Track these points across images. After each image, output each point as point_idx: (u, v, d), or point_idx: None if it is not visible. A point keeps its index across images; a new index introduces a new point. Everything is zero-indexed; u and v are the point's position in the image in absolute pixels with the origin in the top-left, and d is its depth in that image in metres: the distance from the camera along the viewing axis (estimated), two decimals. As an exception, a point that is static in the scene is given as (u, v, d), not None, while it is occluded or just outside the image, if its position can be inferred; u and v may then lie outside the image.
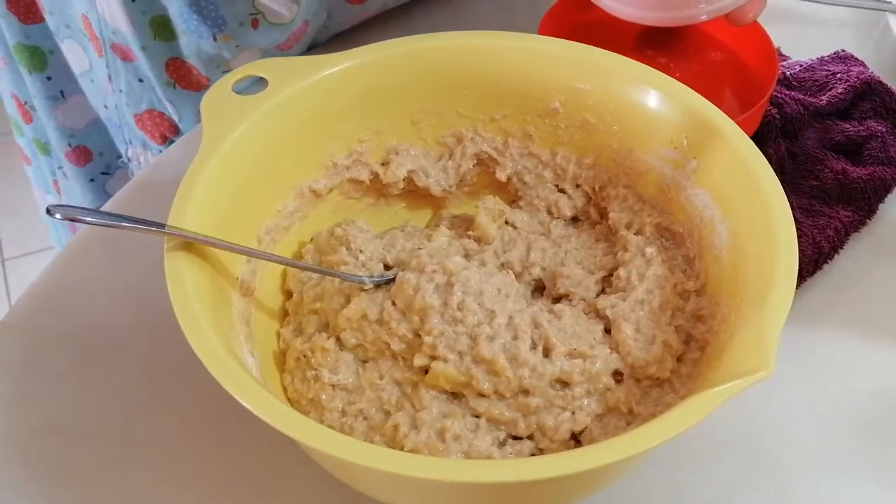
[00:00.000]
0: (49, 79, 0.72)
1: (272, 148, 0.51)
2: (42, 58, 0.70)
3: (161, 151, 0.73)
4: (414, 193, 0.58)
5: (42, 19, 0.68)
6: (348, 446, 0.37)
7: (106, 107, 0.74)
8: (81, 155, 0.78)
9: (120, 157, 0.80)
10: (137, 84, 0.70)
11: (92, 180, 0.82)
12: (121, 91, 0.71)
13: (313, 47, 0.73)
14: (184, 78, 0.67)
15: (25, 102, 0.79)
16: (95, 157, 0.81)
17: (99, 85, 0.73)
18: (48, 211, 0.45)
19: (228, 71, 0.64)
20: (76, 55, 0.70)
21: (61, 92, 0.73)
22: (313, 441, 0.37)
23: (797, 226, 0.45)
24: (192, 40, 0.64)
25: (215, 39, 0.64)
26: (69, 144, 0.78)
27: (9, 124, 0.84)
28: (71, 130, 0.76)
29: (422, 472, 0.36)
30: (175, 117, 0.70)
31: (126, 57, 0.68)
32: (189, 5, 0.63)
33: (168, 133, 0.72)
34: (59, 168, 0.82)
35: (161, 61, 0.66)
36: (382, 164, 0.56)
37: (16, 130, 0.84)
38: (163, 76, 0.67)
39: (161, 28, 0.64)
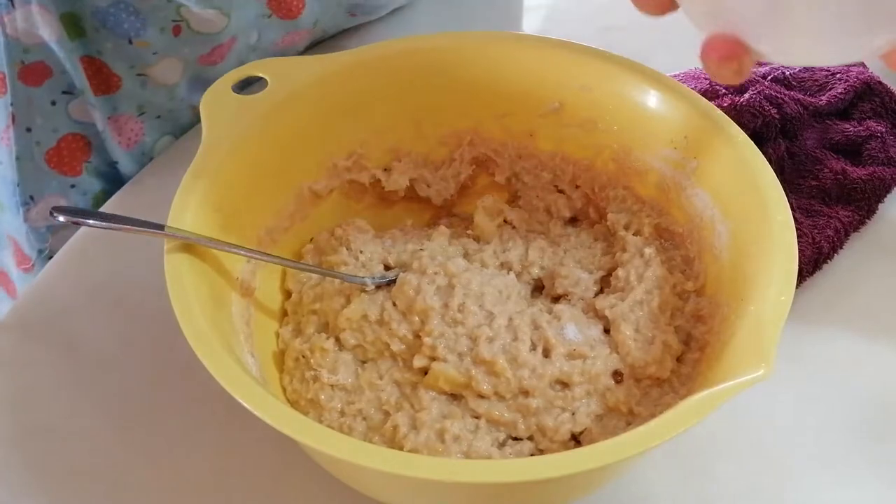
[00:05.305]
0: None
1: (272, 148, 0.51)
2: None
3: (73, 185, 0.65)
4: (414, 198, 0.58)
5: None
6: (348, 446, 0.37)
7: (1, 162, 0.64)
8: None
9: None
10: (50, 108, 0.62)
11: None
12: (29, 130, 0.61)
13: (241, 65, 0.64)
14: (101, 79, 0.63)
15: None
16: None
17: None
18: (51, 213, 0.46)
19: (143, 75, 0.62)
20: None
21: None
22: (313, 441, 0.37)
23: (797, 226, 0.45)
24: (108, 38, 0.60)
25: (131, 43, 0.60)
26: None
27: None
28: None
29: (422, 472, 0.36)
30: (99, 125, 0.63)
31: (39, 80, 0.61)
32: (111, 4, 0.58)
33: (83, 157, 0.65)
34: None
35: (77, 58, 0.60)
36: (385, 169, 0.56)
37: None
38: (84, 82, 0.62)
39: (72, 25, 0.59)
